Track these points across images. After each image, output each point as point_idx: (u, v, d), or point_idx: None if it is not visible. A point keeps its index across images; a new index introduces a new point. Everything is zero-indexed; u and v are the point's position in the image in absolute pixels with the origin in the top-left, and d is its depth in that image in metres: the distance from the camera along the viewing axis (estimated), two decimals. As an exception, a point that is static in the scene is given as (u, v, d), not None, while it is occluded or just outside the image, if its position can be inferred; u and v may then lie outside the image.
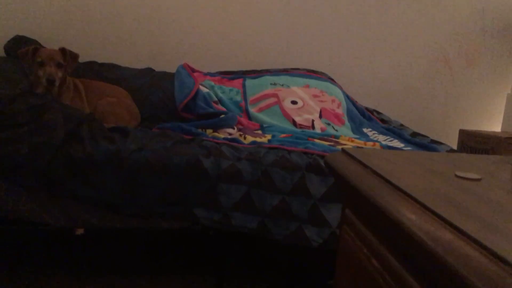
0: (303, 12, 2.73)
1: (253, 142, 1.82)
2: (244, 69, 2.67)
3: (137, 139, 1.59)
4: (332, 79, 2.66)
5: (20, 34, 2.36)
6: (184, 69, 2.39)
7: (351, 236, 0.74)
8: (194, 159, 1.52)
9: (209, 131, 2.01)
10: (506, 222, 0.49)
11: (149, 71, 2.45)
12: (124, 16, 2.54)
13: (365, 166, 0.72)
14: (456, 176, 0.68)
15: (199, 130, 1.96)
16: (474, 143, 2.25)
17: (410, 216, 0.52)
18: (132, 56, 2.58)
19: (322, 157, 1.63)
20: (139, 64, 2.53)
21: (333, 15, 2.76)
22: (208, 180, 1.52)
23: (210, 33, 2.66)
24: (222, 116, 2.08)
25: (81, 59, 2.01)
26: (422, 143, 2.02)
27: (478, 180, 0.66)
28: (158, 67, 2.53)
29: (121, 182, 1.49)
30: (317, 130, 2.21)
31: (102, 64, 2.41)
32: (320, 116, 2.30)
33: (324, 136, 2.03)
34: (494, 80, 3.02)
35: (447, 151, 1.92)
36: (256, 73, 2.59)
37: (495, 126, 3.07)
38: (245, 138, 1.92)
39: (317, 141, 1.90)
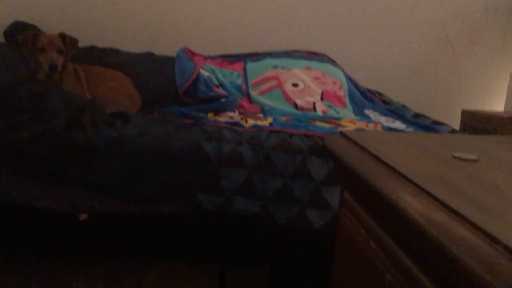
0: (304, -7, 2.70)
1: (255, 125, 1.82)
2: (245, 52, 2.65)
3: (139, 124, 1.60)
4: (333, 61, 2.64)
5: (19, 19, 2.35)
6: (185, 53, 2.38)
7: (350, 219, 0.74)
8: (195, 144, 1.53)
9: (210, 115, 2.01)
10: (500, 203, 0.49)
11: (149, 55, 2.44)
12: None
13: (362, 148, 0.72)
14: (454, 157, 0.68)
15: (201, 114, 1.96)
16: (476, 123, 2.23)
17: (405, 198, 0.52)
18: (131, 40, 2.56)
19: (324, 139, 1.63)
20: (139, 47, 2.52)
21: (334, -5, 2.73)
22: (210, 164, 1.52)
23: (210, 15, 2.63)
24: (223, 99, 2.07)
25: (80, 44, 2.00)
26: (424, 124, 2.01)
27: (476, 161, 0.66)
28: (158, 51, 2.51)
29: (123, 167, 1.49)
30: (319, 113, 2.20)
31: (102, 49, 2.40)
32: (322, 98, 2.29)
33: (325, 119, 2.03)
34: (497, 59, 2.99)
35: (449, 132, 1.92)
36: (257, 56, 2.57)
37: (498, 105, 3.04)
38: (246, 121, 1.92)
39: (318, 123, 1.90)
